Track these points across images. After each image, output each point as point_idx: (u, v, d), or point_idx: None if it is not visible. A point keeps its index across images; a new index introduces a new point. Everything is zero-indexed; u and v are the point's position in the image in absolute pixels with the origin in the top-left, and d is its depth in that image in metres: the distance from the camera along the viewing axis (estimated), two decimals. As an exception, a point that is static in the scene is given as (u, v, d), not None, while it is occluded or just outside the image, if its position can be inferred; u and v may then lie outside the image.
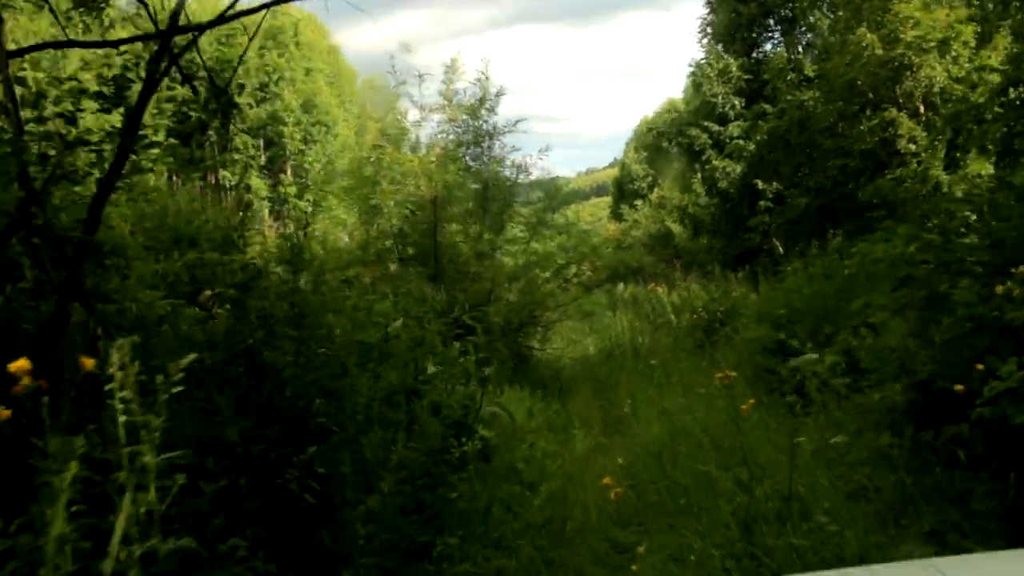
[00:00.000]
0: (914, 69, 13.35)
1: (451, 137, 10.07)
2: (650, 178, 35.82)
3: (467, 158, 10.01)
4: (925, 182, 12.61)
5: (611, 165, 42.43)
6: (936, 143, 12.91)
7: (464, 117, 9.92)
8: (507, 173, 10.23)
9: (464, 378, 6.20)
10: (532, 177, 10.30)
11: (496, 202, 9.94)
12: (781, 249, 19.23)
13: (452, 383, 5.75)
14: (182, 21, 4.77)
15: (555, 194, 10.57)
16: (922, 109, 13.82)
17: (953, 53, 13.09)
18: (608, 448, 6.99)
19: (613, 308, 16.41)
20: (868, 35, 13.38)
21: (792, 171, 15.96)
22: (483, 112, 9.97)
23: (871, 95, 14.24)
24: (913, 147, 13.51)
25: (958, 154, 12.90)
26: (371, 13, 9.11)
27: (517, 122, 10.32)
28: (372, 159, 9.81)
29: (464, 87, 10.12)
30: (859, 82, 14.08)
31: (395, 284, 7.71)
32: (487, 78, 10.12)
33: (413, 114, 10.14)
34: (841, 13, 15.80)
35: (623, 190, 38.19)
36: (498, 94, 10.06)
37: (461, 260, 9.34)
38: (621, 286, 19.46)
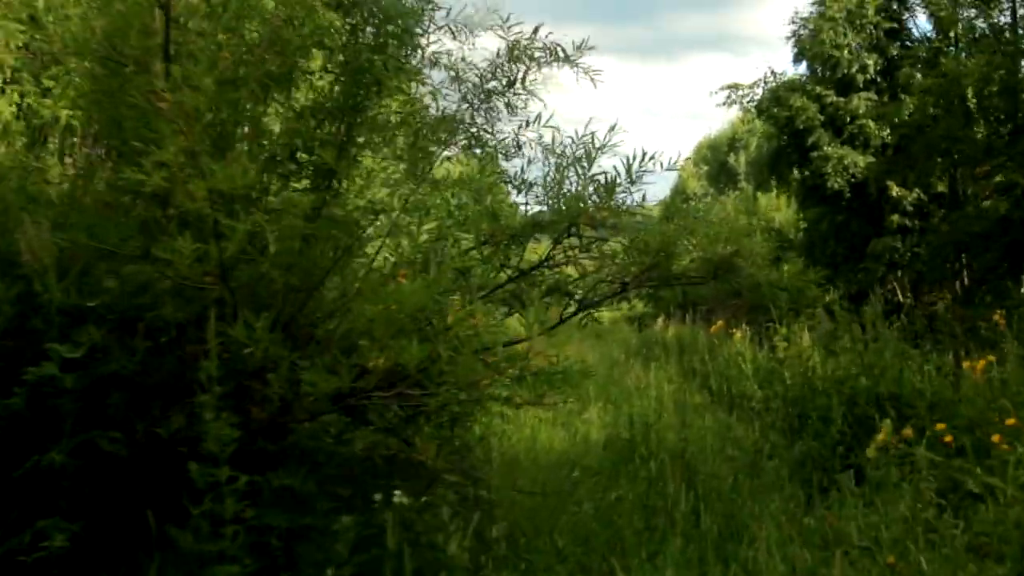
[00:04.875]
0: None
1: None
2: (708, 197, 29.47)
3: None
4: None
5: (659, 203, 35.45)
6: None
7: None
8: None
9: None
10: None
11: (371, 59, 3.58)
12: (902, 294, 12.75)
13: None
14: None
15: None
16: None
17: None
18: None
19: (644, 357, 9.95)
20: None
21: (980, 156, 9.50)
22: None
23: None
24: None
25: None
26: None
27: None
28: None
29: None
30: None
31: None
32: None
33: None
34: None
35: (672, 212, 31.49)
36: None
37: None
38: (661, 320, 12.98)
